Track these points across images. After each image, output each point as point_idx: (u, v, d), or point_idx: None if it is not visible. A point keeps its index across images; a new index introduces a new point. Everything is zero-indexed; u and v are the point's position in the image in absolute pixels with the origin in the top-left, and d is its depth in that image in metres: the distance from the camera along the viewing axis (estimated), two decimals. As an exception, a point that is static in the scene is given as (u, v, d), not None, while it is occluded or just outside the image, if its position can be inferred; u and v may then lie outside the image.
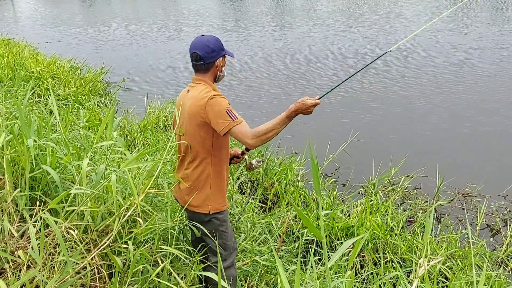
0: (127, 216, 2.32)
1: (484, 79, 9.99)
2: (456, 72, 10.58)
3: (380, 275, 3.50)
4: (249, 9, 26.03)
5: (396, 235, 4.18)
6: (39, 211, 2.25)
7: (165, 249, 2.48)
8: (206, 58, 2.69)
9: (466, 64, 11.22)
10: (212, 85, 2.74)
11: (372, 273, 3.67)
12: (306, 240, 4.15)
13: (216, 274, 2.66)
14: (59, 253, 2.12)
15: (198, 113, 2.60)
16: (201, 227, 2.79)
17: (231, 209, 4.17)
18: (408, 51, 12.73)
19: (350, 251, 3.81)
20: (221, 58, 2.75)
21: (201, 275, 2.94)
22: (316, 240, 4.15)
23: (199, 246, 2.91)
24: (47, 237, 2.20)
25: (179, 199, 2.91)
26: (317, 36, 15.81)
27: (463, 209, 5.03)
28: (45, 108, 4.41)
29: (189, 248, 2.93)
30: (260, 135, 2.47)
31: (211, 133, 2.65)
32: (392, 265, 3.79)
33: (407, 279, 3.07)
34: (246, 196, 4.95)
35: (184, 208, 2.81)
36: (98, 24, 21.69)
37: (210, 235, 2.78)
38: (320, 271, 3.30)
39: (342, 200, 5.11)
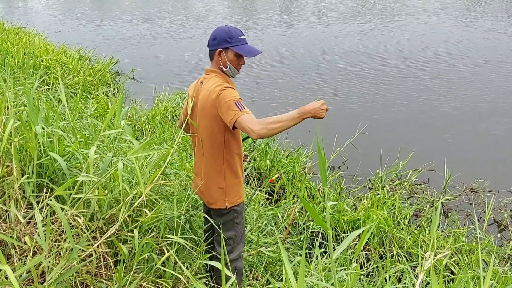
0: (134, 206, 2.32)
1: (492, 75, 9.89)
2: (465, 68, 10.47)
3: (386, 269, 3.49)
4: (260, 5, 25.85)
5: (402, 229, 4.16)
6: (46, 198, 2.26)
7: (171, 238, 2.48)
8: (209, 45, 2.71)
9: (475, 59, 11.10)
10: (226, 77, 2.70)
11: (377, 266, 3.66)
12: (311, 232, 4.15)
13: (225, 265, 2.67)
14: (65, 240, 2.13)
15: (211, 104, 2.57)
16: (209, 219, 2.80)
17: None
18: (417, 47, 12.61)
19: (355, 245, 3.80)
20: (222, 50, 2.64)
21: (208, 265, 2.95)
22: (322, 233, 4.15)
23: (207, 235, 2.92)
24: (53, 224, 2.21)
25: (199, 193, 2.90)
26: (328, 33, 15.68)
27: (471, 204, 4.99)
28: (54, 97, 4.42)
29: (195, 237, 2.94)
30: (266, 123, 2.33)
31: (223, 126, 2.61)
32: (398, 259, 3.78)
33: (413, 272, 3.05)
34: (253, 188, 4.95)
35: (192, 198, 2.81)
36: (108, 16, 21.70)
37: (224, 226, 2.78)
38: (325, 263, 3.30)
39: (349, 194, 5.09)
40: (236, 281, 2.80)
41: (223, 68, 2.69)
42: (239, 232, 2.87)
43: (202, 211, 3.05)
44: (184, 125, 2.88)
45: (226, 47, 2.64)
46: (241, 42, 2.66)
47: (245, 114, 2.43)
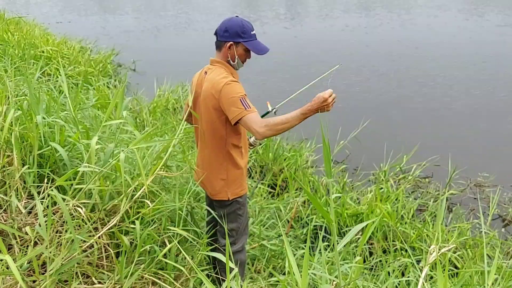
0: (135, 197, 2.30)
1: (496, 68, 9.83)
2: (469, 62, 10.39)
3: (389, 263, 3.47)
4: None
5: (406, 223, 4.14)
6: (47, 188, 2.23)
7: (173, 230, 2.46)
8: (218, 35, 2.64)
9: (478, 53, 11.04)
10: (231, 69, 2.67)
11: (381, 260, 3.63)
12: (314, 226, 4.12)
13: (224, 256, 2.66)
14: (66, 231, 2.10)
15: (213, 96, 2.54)
16: (211, 211, 2.78)
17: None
18: (426, 41, 12.52)
19: (359, 239, 3.78)
20: (232, 44, 2.60)
21: (210, 257, 2.93)
22: (325, 227, 4.12)
23: (210, 227, 2.89)
24: (54, 214, 2.19)
25: (201, 185, 2.89)
26: (336, 26, 15.56)
27: (475, 199, 4.96)
28: (55, 87, 4.38)
29: (197, 229, 2.91)
30: (271, 124, 2.38)
31: (224, 119, 2.59)
32: (401, 253, 3.76)
33: (417, 266, 3.03)
34: (255, 181, 4.93)
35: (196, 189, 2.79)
36: (110, 7, 21.59)
37: (227, 218, 2.77)
38: (329, 257, 3.28)
39: (352, 187, 5.06)
40: (238, 273, 2.79)
41: (231, 61, 2.66)
42: (242, 223, 2.85)
43: (205, 203, 3.03)
44: (186, 116, 2.86)
45: (238, 41, 2.60)
46: (252, 38, 2.64)
47: (250, 113, 2.42)
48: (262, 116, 2.86)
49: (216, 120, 2.61)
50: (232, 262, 2.68)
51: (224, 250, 2.80)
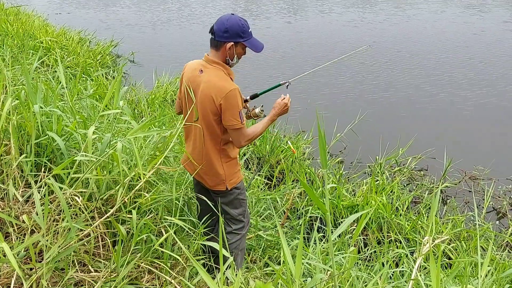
0: (134, 190, 2.31)
1: (493, 61, 9.80)
2: (465, 54, 10.35)
3: (384, 254, 3.50)
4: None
5: (401, 215, 4.17)
6: (44, 177, 2.25)
7: (169, 219, 2.48)
8: (217, 35, 2.61)
9: (475, 45, 11.00)
10: (228, 69, 2.69)
11: (375, 251, 3.67)
12: (310, 217, 4.15)
13: (238, 240, 2.93)
14: (63, 219, 2.12)
15: (213, 100, 2.58)
16: (206, 199, 2.81)
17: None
18: (418, 34, 12.47)
19: (353, 230, 3.81)
20: (233, 44, 2.60)
21: (207, 246, 2.96)
22: (320, 218, 4.15)
23: (207, 216, 2.92)
24: (51, 203, 2.20)
25: (196, 177, 2.92)
26: (340, 21, 15.47)
27: (470, 191, 5.00)
28: (53, 77, 4.38)
29: (194, 219, 2.94)
30: (252, 138, 2.76)
31: (219, 120, 2.67)
32: (396, 244, 3.79)
33: (411, 257, 3.06)
34: (252, 172, 4.95)
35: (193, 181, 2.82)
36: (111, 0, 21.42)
37: (231, 205, 2.90)
38: (324, 248, 3.31)
39: (348, 179, 5.09)
40: (240, 259, 2.90)
41: (230, 60, 2.67)
42: (246, 206, 2.98)
43: (194, 190, 3.07)
44: (179, 109, 2.93)
45: (238, 41, 2.61)
46: (250, 36, 2.67)
47: (243, 128, 2.66)
48: (273, 88, 3.12)
49: (213, 121, 2.68)
50: (239, 247, 2.81)
51: (235, 233, 2.89)
